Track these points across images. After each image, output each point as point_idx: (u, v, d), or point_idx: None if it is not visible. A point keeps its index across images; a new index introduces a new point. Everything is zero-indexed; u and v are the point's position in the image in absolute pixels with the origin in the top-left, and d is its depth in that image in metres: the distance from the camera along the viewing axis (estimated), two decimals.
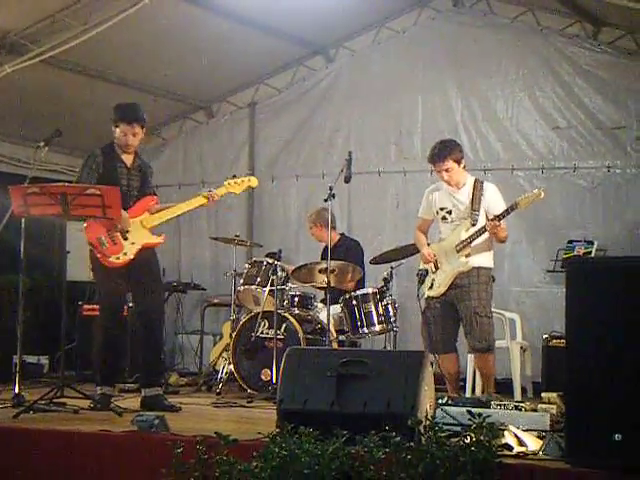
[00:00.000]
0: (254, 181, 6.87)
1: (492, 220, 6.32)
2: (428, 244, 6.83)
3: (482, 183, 6.60)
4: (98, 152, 6.44)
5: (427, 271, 6.70)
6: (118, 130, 6.39)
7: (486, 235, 6.44)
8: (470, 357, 7.47)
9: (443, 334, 6.56)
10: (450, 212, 6.59)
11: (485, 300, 6.46)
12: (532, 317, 8.72)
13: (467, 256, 6.45)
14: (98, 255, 6.26)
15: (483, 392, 6.68)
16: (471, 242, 6.44)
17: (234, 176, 6.84)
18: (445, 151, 6.55)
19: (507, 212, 6.34)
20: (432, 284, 6.62)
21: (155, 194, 6.68)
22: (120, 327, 6.47)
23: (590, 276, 4.18)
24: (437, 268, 6.60)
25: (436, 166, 6.57)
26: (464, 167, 6.64)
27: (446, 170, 6.51)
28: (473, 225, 6.45)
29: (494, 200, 6.52)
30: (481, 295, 6.44)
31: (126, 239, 6.29)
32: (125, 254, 6.26)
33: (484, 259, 6.52)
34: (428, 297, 6.63)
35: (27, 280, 6.49)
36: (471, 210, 6.48)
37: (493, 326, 6.56)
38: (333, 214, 8.59)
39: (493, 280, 6.63)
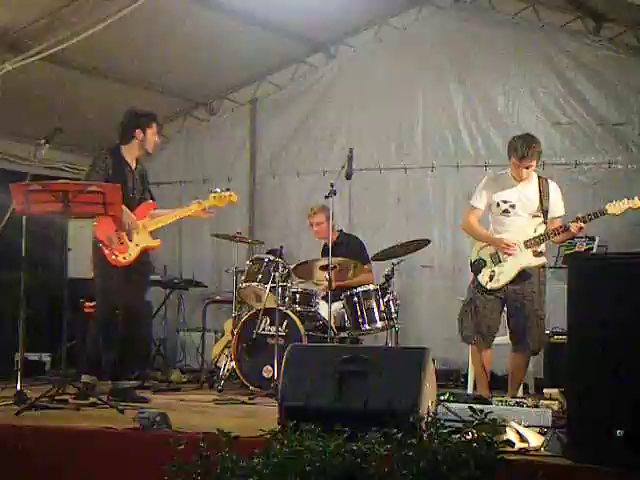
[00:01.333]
0: (234, 197, 7.04)
1: (577, 222, 6.21)
2: None
3: (546, 180, 6.55)
4: (107, 153, 6.62)
5: (484, 262, 6.56)
6: (150, 130, 6.65)
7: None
8: (471, 353, 7.47)
9: (490, 328, 6.50)
10: (514, 206, 6.49)
11: (543, 302, 6.46)
12: None
13: (536, 253, 6.41)
14: (107, 253, 6.39)
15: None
16: (544, 240, 6.39)
17: (218, 190, 7.07)
18: (537, 149, 6.39)
19: (595, 216, 6.24)
20: (492, 276, 6.50)
21: (153, 198, 6.87)
22: (116, 323, 6.60)
23: (591, 272, 4.18)
24: (499, 260, 6.49)
25: (523, 162, 6.37)
26: None
27: (529, 167, 6.40)
28: (544, 223, 6.41)
29: (558, 201, 6.49)
30: (542, 297, 6.44)
31: (131, 240, 6.46)
32: (130, 254, 6.46)
33: (545, 258, 6.52)
34: (487, 289, 6.48)
35: (29, 278, 6.48)
36: (542, 208, 6.42)
37: (545, 327, 6.57)
38: (328, 213, 8.63)
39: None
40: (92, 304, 8.66)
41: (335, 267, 7.65)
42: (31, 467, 4.82)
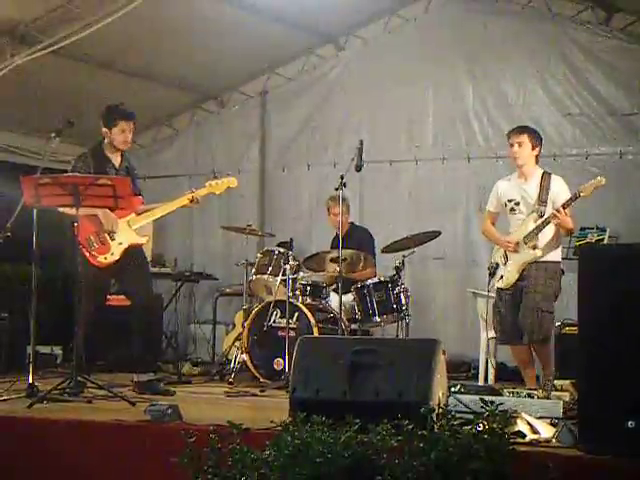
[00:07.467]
0: (234, 181, 7.02)
1: (557, 209, 6.29)
2: None
3: (550, 175, 6.59)
4: (87, 154, 6.69)
5: (498, 265, 6.71)
6: (116, 129, 6.61)
7: (552, 227, 6.44)
8: (482, 345, 7.49)
9: (513, 325, 6.57)
10: (518, 204, 6.61)
11: (549, 296, 6.50)
12: None
13: (534, 247, 6.45)
14: (87, 255, 6.46)
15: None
16: (538, 233, 6.44)
17: (215, 177, 7.16)
18: (526, 128, 6.71)
19: (571, 200, 6.32)
20: (502, 276, 6.64)
21: (141, 194, 6.85)
22: (99, 319, 6.77)
23: (603, 263, 4.17)
24: (507, 260, 6.61)
25: (511, 137, 6.62)
26: (536, 159, 6.64)
27: (518, 143, 6.54)
28: (541, 217, 6.44)
29: (561, 192, 6.50)
30: (547, 291, 6.48)
31: (114, 239, 6.51)
32: (112, 254, 6.50)
33: (553, 253, 6.54)
34: (499, 289, 6.66)
35: (40, 271, 6.48)
36: (539, 202, 6.47)
37: (553, 320, 6.60)
38: (348, 203, 8.64)
39: (562, 273, 6.64)
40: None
41: (345, 259, 7.66)
42: (42, 459, 4.84)
